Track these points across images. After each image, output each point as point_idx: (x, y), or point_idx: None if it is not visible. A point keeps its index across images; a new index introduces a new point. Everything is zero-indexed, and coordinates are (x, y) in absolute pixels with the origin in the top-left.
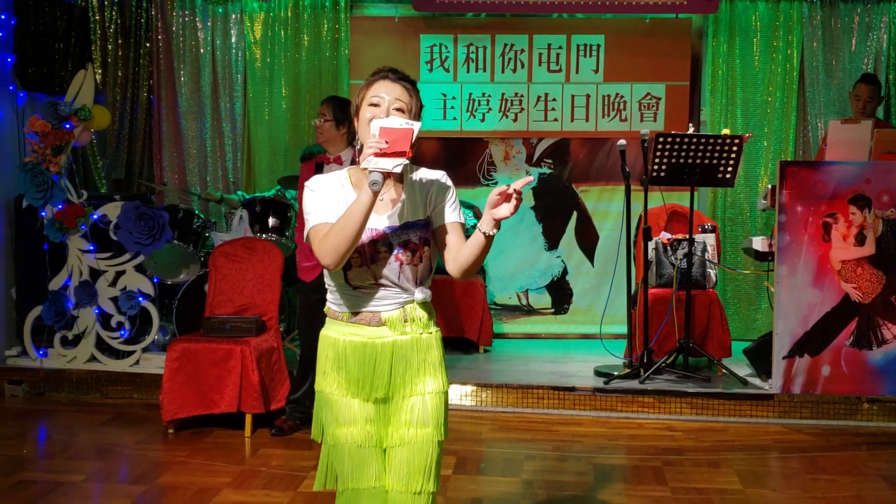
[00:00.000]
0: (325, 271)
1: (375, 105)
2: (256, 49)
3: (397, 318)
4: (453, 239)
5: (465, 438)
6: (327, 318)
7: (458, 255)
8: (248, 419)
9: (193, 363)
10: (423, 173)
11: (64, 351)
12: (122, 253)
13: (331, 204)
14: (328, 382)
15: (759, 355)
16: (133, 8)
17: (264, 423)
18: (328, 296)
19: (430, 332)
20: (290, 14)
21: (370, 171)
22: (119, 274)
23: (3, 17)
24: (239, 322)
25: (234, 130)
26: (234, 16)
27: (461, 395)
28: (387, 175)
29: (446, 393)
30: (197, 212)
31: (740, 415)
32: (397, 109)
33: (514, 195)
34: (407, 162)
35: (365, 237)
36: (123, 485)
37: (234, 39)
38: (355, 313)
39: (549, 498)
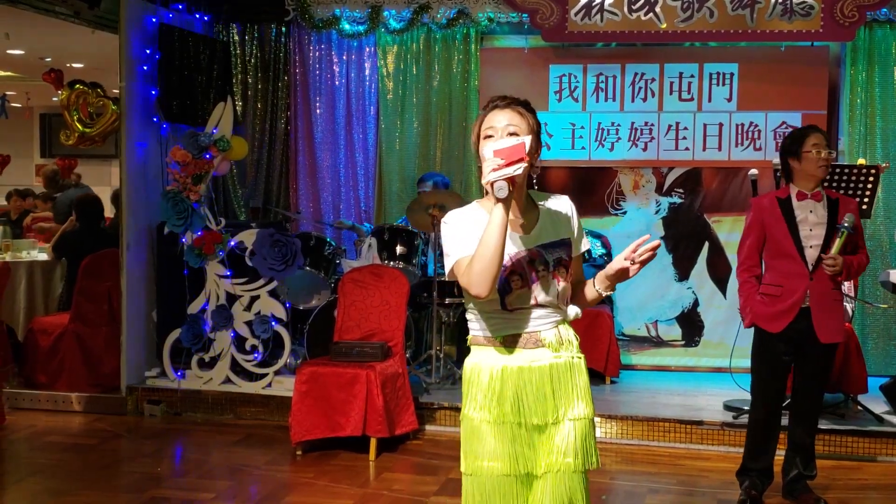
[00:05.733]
0: (470, 301)
1: (489, 137)
2: (389, 81)
3: (554, 339)
4: (574, 270)
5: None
6: (473, 347)
7: (573, 290)
8: (373, 443)
9: (321, 387)
10: (552, 198)
11: (200, 372)
12: (256, 278)
13: (472, 236)
14: (480, 410)
15: None
16: (272, 42)
17: (388, 447)
18: (472, 324)
19: (581, 357)
20: (421, 47)
21: (493, 182)
22: (254, 299)
23: (148, 51)
24: (365, 347)
25: (367, 160)
26: (367, 49)
27: None
28: (511, 182)
29: (592, 420)
30: (329, 239)
31: (875, 453)
32: (510, 135)
33: (635, 262)
34: (526, 164)
35: (523, 259)
36: None
37: (367, 72)
38: (510, 336)
39: None
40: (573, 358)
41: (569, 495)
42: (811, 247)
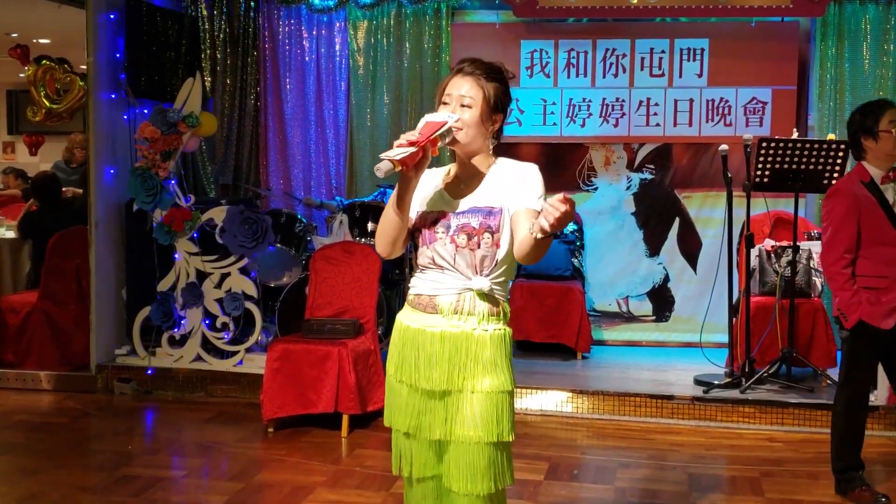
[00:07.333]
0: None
1: (445, 104)
2: (360, 56)
3: (450, 305)
4: (521, 224)
5: (560, 445)
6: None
7: (520, 240)
8: (345, 420)
9: (293, 364)
10: (511, 164)
11: (171, 350)
12: (227, 255)
13: (416, 197)
14: (390, 365)
15: None
16: (241, 17)
17: (360, 423)
18: None
19: (486, 330)
20: (392, 22)
21: (382, 159)
22: (224, 276)
23: (116, 27)
24: (337, 324)
25: (338, 136)
26: (338, 24)
27: (557, 401)
28: (397, 163)
29: (505, 393)
30: (299, 216)
31: None
32: (464, 106)
33: (555, 211)
34: (413, 150)
35: (430, 217)
36: (221, 481)
37: (337, 47)
38: (416, 296)
39: None
40: (475, 330)
41: (473, 466)
42: None
